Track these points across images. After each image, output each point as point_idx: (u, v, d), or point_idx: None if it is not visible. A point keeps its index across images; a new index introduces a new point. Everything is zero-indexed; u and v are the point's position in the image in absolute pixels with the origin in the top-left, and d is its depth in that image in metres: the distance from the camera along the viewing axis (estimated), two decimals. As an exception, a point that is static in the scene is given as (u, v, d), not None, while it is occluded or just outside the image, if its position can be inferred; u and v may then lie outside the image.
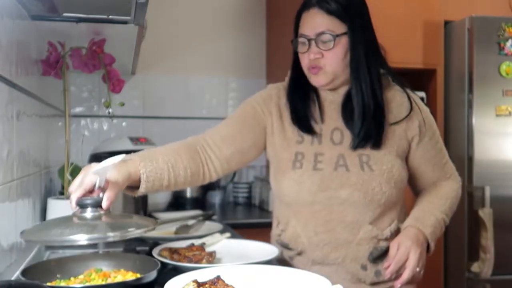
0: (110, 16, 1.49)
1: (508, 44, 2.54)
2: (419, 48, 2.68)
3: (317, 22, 1.32)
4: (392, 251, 1.33)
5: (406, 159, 1.43)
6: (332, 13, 1.31)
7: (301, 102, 1.41)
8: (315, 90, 1.43)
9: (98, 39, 1.66)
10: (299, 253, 1.42)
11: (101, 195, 1.05)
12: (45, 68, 1.65)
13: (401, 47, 2.62)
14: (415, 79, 2.60)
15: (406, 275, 1.32)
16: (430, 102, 2.76)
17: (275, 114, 1.43)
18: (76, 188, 1.06)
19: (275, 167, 1.43)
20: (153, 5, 1.65)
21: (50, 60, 1.65)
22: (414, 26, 2.67)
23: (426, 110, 1.45)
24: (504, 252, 2.49)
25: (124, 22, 1.54)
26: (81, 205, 1.04)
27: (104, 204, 1.05)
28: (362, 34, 1.33)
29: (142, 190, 1.21)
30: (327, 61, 1.33)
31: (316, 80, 1.36)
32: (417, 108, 1.41)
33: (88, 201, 1.04)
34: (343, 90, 1.40)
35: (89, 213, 1.03)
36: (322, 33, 1.31)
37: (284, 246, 1.43)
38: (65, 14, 1.48)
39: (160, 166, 1.23)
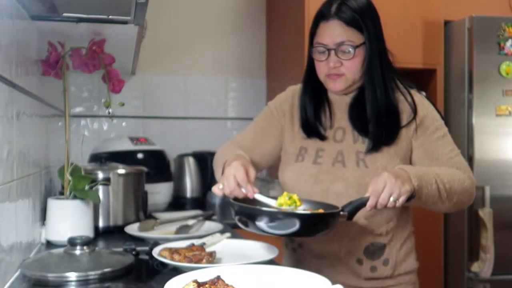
0: (110, 16, 1.49)
1: (508, 44, 2.54)
2: (419, 48, 2.69)
3: (336, 33, 1.37)
4: (370, 185, 1.25)
5: (410, 158, 1.43)
6: (350, 25, 1.36)
7: (311, 108, 1.47)
8: (326, 93, 1.49)
9: (98, 39, 1.66)
10: (300, 245, 1.49)
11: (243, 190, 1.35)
12: (45, 68, 1.65)
13: (401, 47, 2.59)
14: (415, 79, 2.60)
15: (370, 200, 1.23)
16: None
17: (288, 114, 1.52)
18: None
19: (282, 160, 1.53)
20: (153, 5, 1.65)
21: (50, 60, 1.64)
22: (414, 26, 2.67)
23: (428, 107, 1.47)
24: (504, 252, 2.49)
25: (124, 22, 1.55)
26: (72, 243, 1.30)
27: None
28: (377, 43, 1.39)
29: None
30: (347, 69, 1.39)
31: (334, 86, 1.42)
32: (419, 110, 1.43)
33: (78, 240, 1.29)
34: (352, 93, 1.46)
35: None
36: (342, 43, 1.36)
37: None
38: (65, 14, 1.48)
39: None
